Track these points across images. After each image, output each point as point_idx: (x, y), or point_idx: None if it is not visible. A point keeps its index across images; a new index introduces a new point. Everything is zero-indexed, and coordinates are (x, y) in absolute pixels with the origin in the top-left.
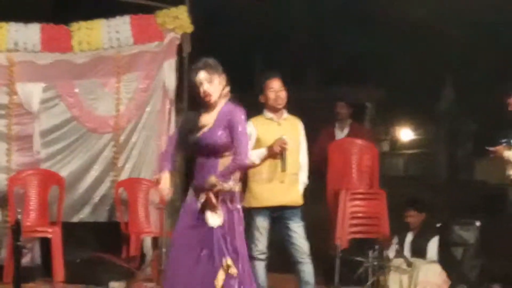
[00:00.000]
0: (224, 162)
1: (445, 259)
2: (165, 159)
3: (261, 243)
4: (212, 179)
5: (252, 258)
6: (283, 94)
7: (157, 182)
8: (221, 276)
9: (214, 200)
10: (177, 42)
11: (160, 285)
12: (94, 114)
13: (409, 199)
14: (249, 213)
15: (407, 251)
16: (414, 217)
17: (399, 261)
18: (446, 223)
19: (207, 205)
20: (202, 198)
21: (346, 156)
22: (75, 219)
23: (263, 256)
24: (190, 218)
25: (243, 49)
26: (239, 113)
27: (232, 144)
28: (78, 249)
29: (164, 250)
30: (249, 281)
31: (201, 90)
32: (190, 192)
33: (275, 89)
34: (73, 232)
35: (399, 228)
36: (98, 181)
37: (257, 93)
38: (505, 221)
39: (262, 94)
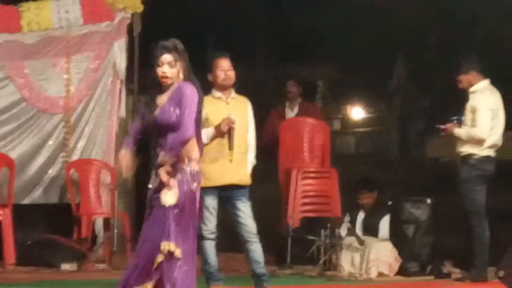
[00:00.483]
0: None
1: (397, 237)
2: (128, 140)
3: (211, 222)
4: (161, 155)
5: (202, 237)
6: (231, 74)
7: (118, 160)
8: (159, 258)
9: (165, 177)
10: (128, 21)
11: (112, 265)
12: (44, 94)
13: (360, 180)
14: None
15: (358, 229)
16: (365, 196)
17: (350, 239)
18: (397, 201)
19: (161, 183)
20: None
21: (298, 135)
22: (26, 201)
23: (212, 236)
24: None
25: (194, 28)
26: (188, 90)
27: None
28: (29, 231)
29: (116, 231)
30: (191, 263)
31: (160, 70)
32: (153, 172)
33: (224, 68)
34: (24, 214)
35: (350, 206)
36: (49, 162)
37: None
38: (456, 198)
39: (211, 73)
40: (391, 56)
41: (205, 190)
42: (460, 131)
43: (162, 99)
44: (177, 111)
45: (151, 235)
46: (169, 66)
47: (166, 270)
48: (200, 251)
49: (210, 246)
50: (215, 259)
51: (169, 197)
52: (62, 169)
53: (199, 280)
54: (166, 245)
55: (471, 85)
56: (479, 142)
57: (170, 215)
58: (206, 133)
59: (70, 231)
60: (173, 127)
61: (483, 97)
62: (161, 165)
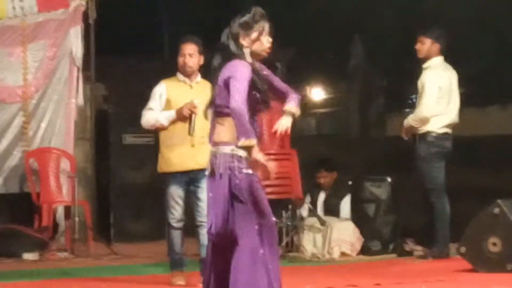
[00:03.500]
0: None
1: (358, 216)
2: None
3: (177, 211)
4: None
5: (168, 225)
6: (192, 60)
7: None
8: None
9: None
10: (83, 8)
11: (74, 253)
12: (1, 84)
13: (319, 160)
14: (164, 180)
15: (320, 210)
16: (325, 177)
17: (312, 220)
18: (358, 180)
19: None
20: None
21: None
22: None
23: (179, 224)
24: None
25: (149, 14)
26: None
27: None
28: None
29: (77, 219)
30: None
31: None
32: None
33: (185, 53)
34: None
35: (311, 188)
36: (8, 152)
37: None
38: (415, 176)
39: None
40: (348, 36)
41: (169, 177)
42: (408, 121)
43: None
44: None
45: None
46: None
47: None
48: (167, 238)
49: (176, 235)
50: (180, 247)
51: None
52: (21, 158)
53: (165, 265)
54: None
55: (427, 56)
56: (425, 121)
57: None
58: (167, 116)
59: (31, 220)
60: None
61: (432, 74)
62: None
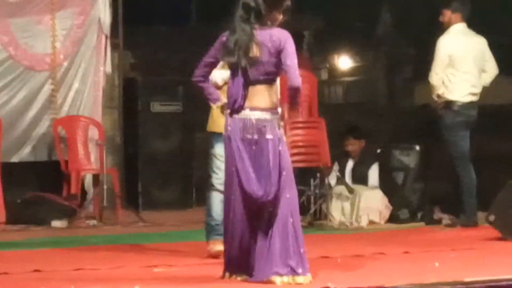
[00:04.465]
0: None
1: (386, 185)
2: None
3: (222, 171)
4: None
5: (210, 187)
6: None
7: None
8: None
9: None
10: None
11: (102, 221)
12: (30, 52)
13: (347, 128)
14: (210, 140)
15: (348, 178)
16: (353, 145)
17: (340, 188)
18: (386, 149)
19: None
20: None
21: (285, 85)
22: (15, 159)
23: (222, 187)
24: None
25: None
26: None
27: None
28: (19, 189)
29: (105, 187)
30: None
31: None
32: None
33: None
34: (13, 172)
35: (339, 156)
36: (37, 120)
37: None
38: (443, 145)
39: None
40: (376, 4)
41: (216, 136)
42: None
43: None
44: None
45: None
46: None
47: None
48: (206, 202)
49: (217, 198)
50: (219, 212)
51: None
52: (50, 126)
53: (200, 232)
54: None
55: (449, 23)
56: (432, 89)
57: None
58: (222, 75)
59: (60, 188)
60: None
61: (441, 41)
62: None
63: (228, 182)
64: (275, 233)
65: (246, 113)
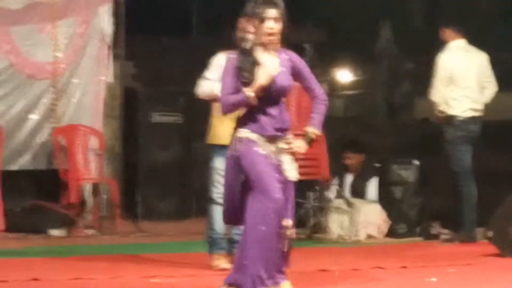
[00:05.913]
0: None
1: (385, 199)
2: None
3: (223, 185)
4: (316, 131)
5: (211, 200)
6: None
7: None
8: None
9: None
10: None
11: (101, 231)
12: (31, 60)
13: (347, 142)
14: (210, 153)
15: (347, 192)
16: (353, 159)
17: (339, 202)
18: (385, 163)
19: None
20: (287, 148)
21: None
22: (15, 167)
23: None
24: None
25: None
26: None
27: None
28: (18, 197)
29: (104, 196)
30: None
31: (266, 26)
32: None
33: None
34: (13, 181)
35: (339, 169)
36: (38, 128)
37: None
38: (442, 159)
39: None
40: (377, 18)
41: (216, 149)
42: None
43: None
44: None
45: None
46: (275, 22)
47: None
48: (208, 215)
49: (218, 211)
50: (221, 226)
51: (295, 171)
52: (50, 135)
53: (199, 243)
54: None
55: (449, 39)
56: (435, 105)
57: (292, 191)
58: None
59: (59, 197)
60: (286, 93)
61: (441, 57)
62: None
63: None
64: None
65: (265, 130)
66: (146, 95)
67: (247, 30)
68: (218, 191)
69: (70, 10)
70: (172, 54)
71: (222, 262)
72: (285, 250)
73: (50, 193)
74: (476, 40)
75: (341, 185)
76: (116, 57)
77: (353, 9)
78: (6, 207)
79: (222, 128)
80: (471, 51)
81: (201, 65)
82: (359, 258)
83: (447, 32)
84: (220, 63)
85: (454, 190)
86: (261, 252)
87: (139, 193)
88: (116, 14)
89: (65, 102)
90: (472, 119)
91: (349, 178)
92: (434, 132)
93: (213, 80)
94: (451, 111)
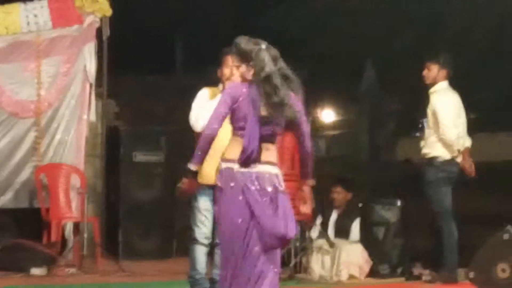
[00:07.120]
0: None
1: (367, 239)
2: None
3: (205, 226)
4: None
5: (194, 241)
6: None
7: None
8: None
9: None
10: (97, 25)
11: (82, 270)
12: (15, 98)
13: (338, 177)
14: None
15: (331, 230)
16: (340, 194)
17: (321, 242)
18: (367, 203)
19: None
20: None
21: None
22: None
23: (206, 241)
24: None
25: (163, 32)
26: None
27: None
28: None
29: (85, 235)
30: None
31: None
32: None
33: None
34: None
35: (323, 207)
36: (20, 167)
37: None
38: (424, 200)
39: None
40: (360, 58)
41: (197, 189)
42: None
43: None
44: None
45: None
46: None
47: None
48: (189, 254)
49: (201, 252)
50: (204, 266)
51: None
52: (32, 173)
53: (181, 283)
54: None
55: (434, 82)
56: (451, 144)
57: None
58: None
59: (40, 236)
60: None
61: (443, 98)
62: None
63: (228, 235)
64: None
65: (261, 166)
66: (129, 134)
67: (236, 66)
68: (201, 231)
69: (55, 49)
70: (154, 93)
71: None
72: None
73: (31, 231)
74: (456, 80)
75: (325, 223)
76: (98, 95)
77: (336, 49)
78: None
79: (206, 167)
80: (452, 92)
81: (184, 104)
82: None
83: (435, 71)
84: (205, 96)
85: (435, 231)
86: None
87: (121, 232)
88: (98, 53)
89: (48, 140)
90: (453, 160)
91: (333, 216)
92: (416, 173)
93: (203, 107)
94: (433, 153)
